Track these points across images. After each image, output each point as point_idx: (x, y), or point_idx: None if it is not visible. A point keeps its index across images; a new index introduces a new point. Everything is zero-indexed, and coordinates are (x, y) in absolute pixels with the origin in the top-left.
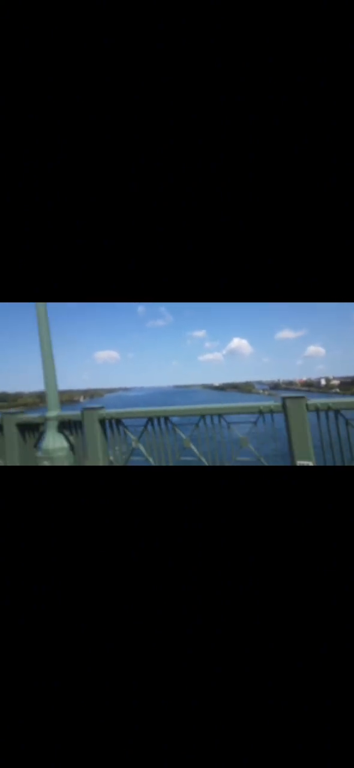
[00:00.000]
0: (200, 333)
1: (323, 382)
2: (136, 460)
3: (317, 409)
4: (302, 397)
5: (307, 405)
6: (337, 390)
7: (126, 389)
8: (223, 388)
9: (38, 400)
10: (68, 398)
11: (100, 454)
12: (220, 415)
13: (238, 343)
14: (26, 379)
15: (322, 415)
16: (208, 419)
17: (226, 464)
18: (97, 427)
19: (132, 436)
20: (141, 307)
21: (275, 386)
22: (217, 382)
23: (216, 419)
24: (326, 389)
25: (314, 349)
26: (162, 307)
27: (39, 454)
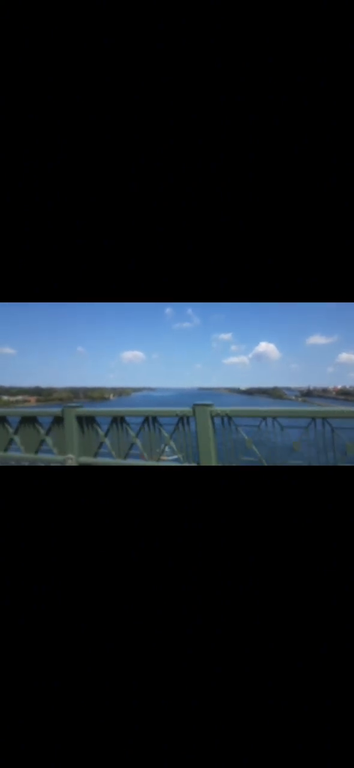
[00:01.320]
0: (226, 336)
1: None
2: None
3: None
4: (210, 404)
5: (211, 412)
6: None
7: (152, 389)
8: (250, 392)
9: (71, 395)
10: (99, 395)
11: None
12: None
13: (266, 347)
14: (56, 374)
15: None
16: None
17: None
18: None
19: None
20: (168, 309)
21: (308, 393)
22: (243, 386)
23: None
24: None
25: (347, 356)
26: (189, 309)
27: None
